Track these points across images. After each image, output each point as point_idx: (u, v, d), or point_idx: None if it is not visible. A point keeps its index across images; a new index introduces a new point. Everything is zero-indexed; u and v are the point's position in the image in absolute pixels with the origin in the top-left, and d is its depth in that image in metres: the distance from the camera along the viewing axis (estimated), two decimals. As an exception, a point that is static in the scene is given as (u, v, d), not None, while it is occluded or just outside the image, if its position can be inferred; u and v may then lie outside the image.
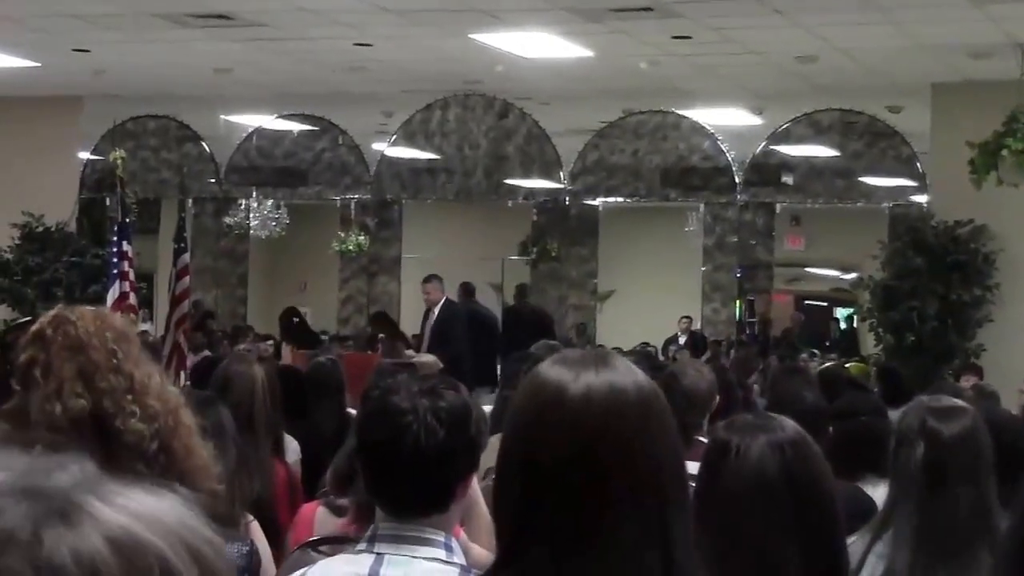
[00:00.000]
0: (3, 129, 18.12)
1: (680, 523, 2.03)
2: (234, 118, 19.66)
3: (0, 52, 15.30)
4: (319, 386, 7.73)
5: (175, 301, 12.02)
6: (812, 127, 17.70)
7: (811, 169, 17.99)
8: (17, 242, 17.62)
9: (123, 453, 2.92)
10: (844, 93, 16.34)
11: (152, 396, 3.05)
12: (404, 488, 2.85)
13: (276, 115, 19.42)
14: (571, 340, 16.93)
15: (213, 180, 19.87)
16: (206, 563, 0.99)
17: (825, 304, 25.51)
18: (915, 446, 3.81)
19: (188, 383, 9.58)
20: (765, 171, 18.15)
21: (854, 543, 3.60)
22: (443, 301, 15.09)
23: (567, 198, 18.69)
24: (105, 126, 17.55)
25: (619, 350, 11.47)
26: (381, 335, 14.72)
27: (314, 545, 3.56)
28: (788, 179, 18.13)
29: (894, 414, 5.98)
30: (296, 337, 14.65)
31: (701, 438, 5.31)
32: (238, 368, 5.87)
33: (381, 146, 19.32)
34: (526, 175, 18.78)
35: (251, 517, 4.37)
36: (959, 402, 4.04)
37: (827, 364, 13.88)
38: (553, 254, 18.84)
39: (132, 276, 11.40)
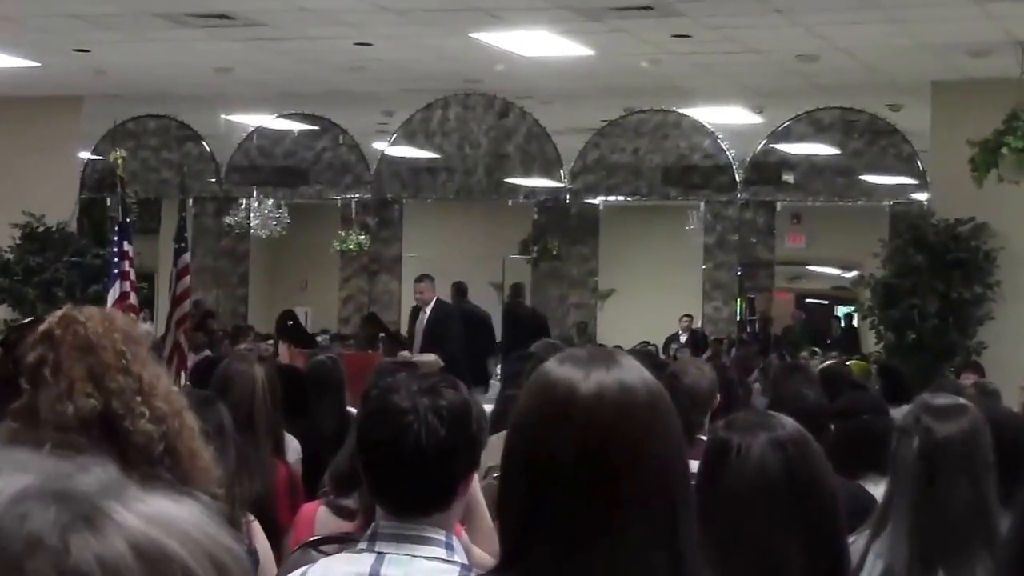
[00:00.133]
0: (4, 129, 18.12)
1: (687, 522, 2.03)
2: (234, 118, 19.66)
3: (0, 52, 15.30)
4: (319, 385, 7.72)
5: (176, 301, 12.02)
6: (812, 125, 17.69)
7: (811, 167, 17.98)
8: (18, 242, 17.62)
9: (131, 454, 2.92)
10: (844, 91, 16.33)
11: (160, 398, 3.05)
12: (405, 487, 2.85)
13: (276, 115, 19.41)
14: (572, 339, 16.94)
15: (214, 180, 19.87)
16: (226, 571, 0.99)
17: (826, 302, 25.52)
18: (911, 441, 3.82)
19: (188, 383, 9.58)
20: (765, 169, 18.15)
21: (854, 542, 3.60)
22: (435, 301, 15.08)
23: (568, 197, 18.68)
24: (105, 126, 17.57)
25: (619, 348, 11.47)
26: (382, 334, 14.73)
27: (315, 545, 3.56)
28: (789, 177, 18.12)
29: (895, 412, 5.98)
30: (292, 337, 14.64)
31: (703, 437, 5.31)
32: (238, 368, 5.87)
33: (381, 145, 19.32)
34: (527, 174, 18.78)
35: (251, 517, 4.37)
36: (959, 400, 4.04)
37: (828, 362, 13.89)
38: (554, 253, 18.84)
39: (133, 276, 11.39)
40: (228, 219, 19.90)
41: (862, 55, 14.20)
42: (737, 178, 18.08)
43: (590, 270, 19.19)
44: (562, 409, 2.02)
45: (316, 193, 19.92)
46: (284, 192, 19.95)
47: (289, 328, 14.16)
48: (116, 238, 11.57)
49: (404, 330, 15.82)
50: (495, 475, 4.71)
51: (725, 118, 18.02)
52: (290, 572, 3.07)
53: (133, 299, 11.29)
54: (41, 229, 17.72)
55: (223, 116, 19.52)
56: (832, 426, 5.65)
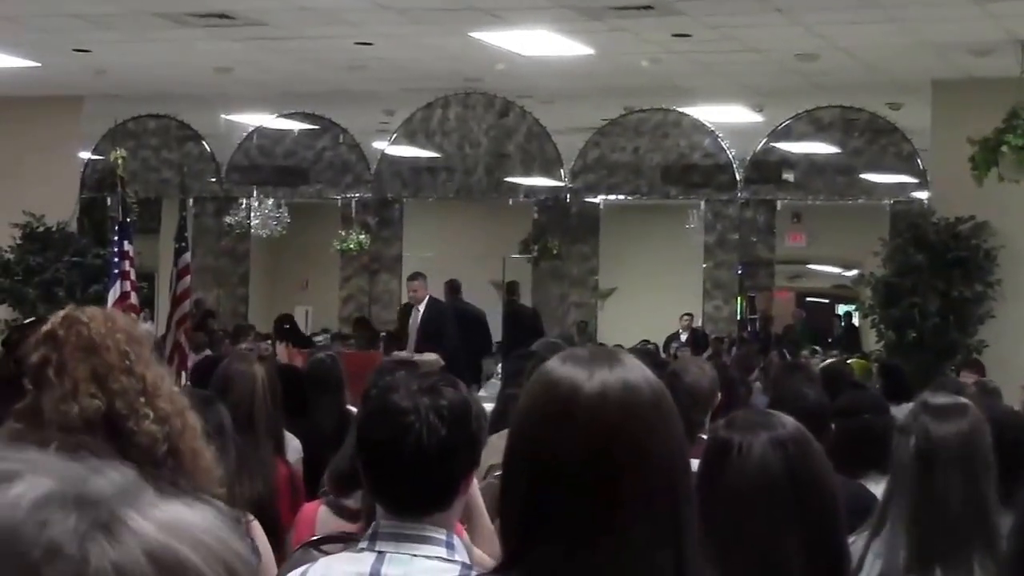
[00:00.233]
0: (4, 129, 18.12)
1: (689, 521, 2.03)
2: (235, 117, 19.67)
3: (1, 52, 15.30)
4: (318, 383, 7.72)
5: (176, 300, 12.02)
6: (813, 124, 17.69)
7: (812, 166, 17.98)
8: (18, 242, 17.63)
9: (135, 455, 2.91)
10: (844, 90, 16.33)
11: (163, 398, 3.05)
12: (406, 487, 2.85)
13: (277, 114, 19.42)
14: (573, 338, 16.95)
15: (214, 179, 19.87)
16: None
17: (826, 301, 25.52)
18: (909, 441, 3.82)
19: (189, 382, 9.58)
20: (766, 168, 18.15)
21: (854, 542, 3.60)
22: (427, 299, 15.07)
23: (568, 196, 18.68)
24: (106, 126, 17.57)
25: (621, 347, 11.47)
26: (383, 333, 14.73)
27: (316, 544, 3.56)
28: (789, 176, 18.13)
29: (896, 411, 5.99)
30: (289, 338, 14.65)
31: (704, 436, 5.31)
32: (238, 367, 5.87)
33: (382, 145, 19.31)
34: (527, 173, 18.78)
35: (252, 516, 4.37)
36: (959, 399, 4.04)
37: (829, 361, 13.89)
38: (554, 252, 18.85)
39: (133, 276, 11.40)
40: (228, 219, 19.89)
41: (862, 54, 14.20)
42: (737, 177, 18.08)
43: (590, 269, 19.19)
44: (566, 408, 2.02)
45: (316, 193, 19.93)
46: (284, 192, 19.94)
47: (286, 331, 14.20)
48: (116, 238, 11.57)
49: (397, 328, 15.77)
50: (496, 474, 4.71)
51: (725, 117, 18.02)
52: (291, 571, 3.07)
53: (134, 299, 11.30)
54: (41, 229, 17.72)
55: (223, 116, 19.52)
56: (833, 425, 5.65)
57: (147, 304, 17.66)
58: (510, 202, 19.32)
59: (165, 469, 2.94)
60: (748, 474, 2.75)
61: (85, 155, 19.15)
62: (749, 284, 19.10)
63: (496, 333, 18.85)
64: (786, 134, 17.86)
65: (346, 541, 3.33)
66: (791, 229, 21.02)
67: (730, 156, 18.14)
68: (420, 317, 14.89)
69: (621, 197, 18.79)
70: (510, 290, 19.23)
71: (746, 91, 16.67)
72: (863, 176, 17.75)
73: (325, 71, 15.98)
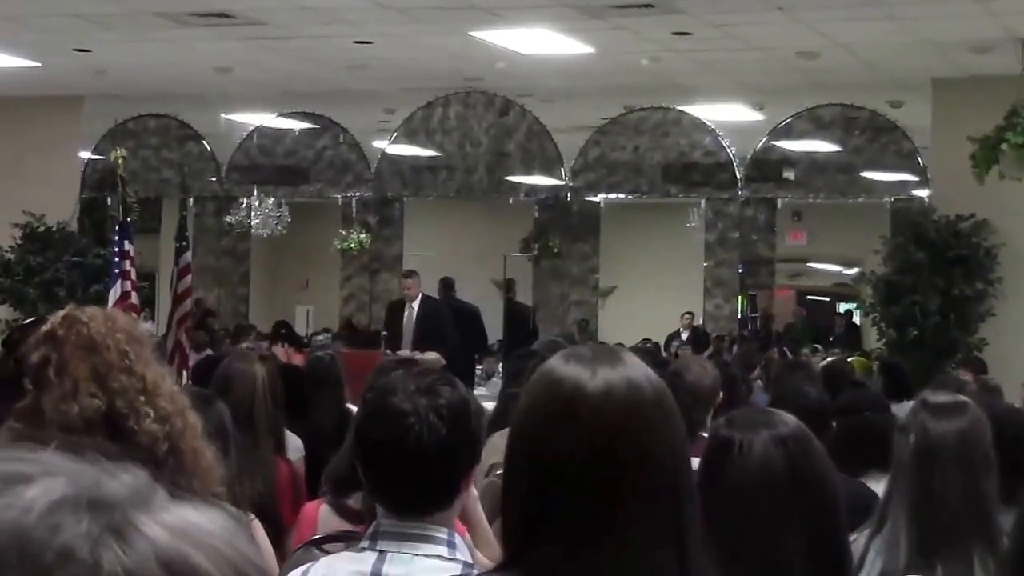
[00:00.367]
0: (4, 129, 18.12)
1: (691, 520, 2.02)
2: (235, 117, 19.66)
3: (1, 52, 15.30)
4: (317, 381, 7.72)
5: (177, 300, 12.02)
6: (813, 122, 17.69)
7: (812, 164, 17.98)
8: (18, 242, 17.62)
9: (135, 454, 2.90)
10: (845, 88, 16.33)
11: (163, 397, 3.05)
12: (407, 488, 2.85)
13: (277, 114, 19.41)
14: (574, 336, 16.96)
15: (214, 179, 19.86)
16: None
17: (827, 299, 25.51)
18: (908, 437, 3.82)
19: (190, 381, 9.58)
20: (766, 167, 18.14)
21: (855, 540, 3.60)
22: (420, 296, 15.05)
23: (568, 195, 18.68)
24: (106, 125, 17.57)
25: (621, 346, 11.47)
26: (384, 332, 14.72)
27: (318, 543, 3.56)
28: (789, 174, 18.12)
29: (897, 409, 5.99)
30: (287, 340, 14.65)
31: (705, 434, 5.30)
32: (239, 367, 5.87)
33: (382, 144, 19.31)
34: (527, 172, 18.78)
35: (253, 516, 4.37)
36: (959, 397, 4.04)
37: (829, 359, 13.88)
38: (555, 251, 18.85)
39: (134, 275, 11.40)
40: (229, 218, 19.89)
41: (863, 52, 14.19)
42: (738, 175, 18.08)
43: (591, 268, 19.20)
44: (569, 407, 2.01)
45: (317, 192, 19.93)
46: (285, 191, 19.94)
47: (282, 335, 14.24)
48: (117, 237, 11.58)
49: (386, 327, 15.71)
50: (498, 473, 4.71)
51: (726, 115, 18.01)
52: (292, 571, 3.07)
53: (134, 298, 11.31)
54: (42, 229, 17.71)
55: (223, 115, 19.52)
56: (834, 423, 5.65)
57: (148, 304, 17.68)
58: (510, 201, 19.31)
59: (166, 468, 2.94)
60: (749, 472, 2.75)
61: (85, 155, 19.15)
62: (750, 282, 19.10)
63: (497, 332, 18.88)
64: (786, 132, 17.86)
65: (347, 540, 3.33)
66: (792, 227, 21.01)
67: (731, 154, 18.14)
68: (415, 315, 14.85)
69: (622, 196, 18.79)
70: (507, 288, 19.25)
71: (746, 89, 16.67)
72: (864, 174, 17.75)
73: (325, 70, 15.98)
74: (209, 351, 13.83)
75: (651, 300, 21.12)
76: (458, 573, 2.79)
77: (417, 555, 2.81)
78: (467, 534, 3.44)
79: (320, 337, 17.36)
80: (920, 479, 3.76)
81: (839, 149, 17.75)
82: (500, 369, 15.99)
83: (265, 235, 19.98)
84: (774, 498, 2.73)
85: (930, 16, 12.50)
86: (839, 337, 21.88)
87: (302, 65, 15.70)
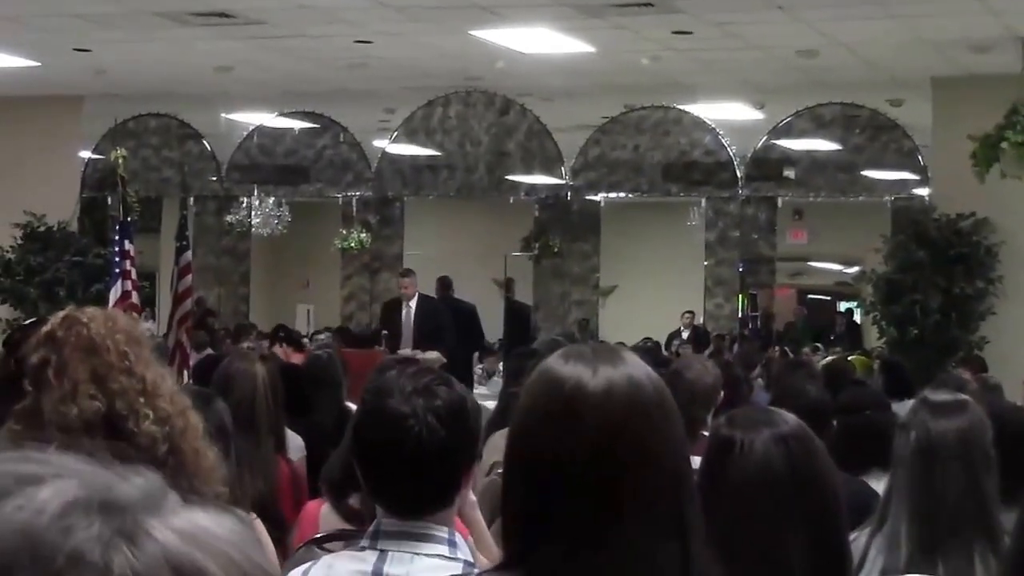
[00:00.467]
0: (4, 129, 18.11)
1: (693, 518, 2.02)
2: (235, 116, 19.66)
3: (1, 52, 15.29)
4: (316, 380, 7.72)
5: (177, 299, 12.02)
6: (813, 121, 17.69)
7: (813, 163, 17.98)
8: (19, 242, 17.62)
9: (135, 455, 2.90)
10: (845, 87, 16.33)
11: (163, 398, 3.05)
12: (407, 489, 2.84)
13: (277, 113, 19.41)
14: (575, 335, 16.96)
15: (215, 178, 19.87)
16: None
17: (828, 298, 25.51)
18: (908, 436, 3.83)
19: (191, 381, 9.58)
20: (767, 165, 18.14)
21: (856, 539, 3.60)
22: (417, 296, 15.04)
23: (569, 194, 18.69)
24: (106, 125, 17.55)
25: (623, 345, 11.48)
26: (385, 331, 14.71)
27: (319, 542, 3.55)
28: (790, 173, 18.13)
29: (898, 407, 5.99)
30: (284, 342, 14.67)
31: (706, 433, 5.30)
32: (240, 366, 5.87)
33: (382, 143, 19.32)
34: (527, 171, 18.78)
35: (254, 515, 4.36)
36: (960, 396, 4.04)
37: (830, 358, 13.88)
38: (555, 250, 18.86)
39: (134, 275, 11.39)
40: (229, 217, 19.90)
41: (863, 51, 14.19)
42: (738, 174, 18.08)
43: (591, 267, 19.20)
44: (570, 406, 2.01)
45: (317, 191, 19.93)
46: (285, 190, 19.95)
47: (281, 337, 14.27)
48: (117, 237, 11.57)
49: (381, 326, 15.70)
50: (498, 471, 4.71)
51: (726, 114, 18.01)
52: (294, 570, 3.07)
53: (135, 298, 11.30)
54: (42, 229, 17.71)
55: (223, 115, 19.52)
56: (835, 422, 5.65)
57: (148, 303, 17.68)
58: (511, 200, 19.32)
59: (166, 469, 2.93)
60: (750, 471, 2.75)
61: (86, 154, 19.14)
62: (750, 281, 19.11)
63: (498, 331, 18.88)
64: (787, 131, 17.87)
65: (349, 539, 3.32)
66: (792, 226, 21.00)
67: (731, 153, 18.14)
68: (412, 314, 14.84)
69: (622, 195, 18.79)
70: (507, 287, 19.28)
71: (747, 88, 16.67)
72: (864, 173, 17.75)
73: (325, 70, 15.98)
74: (209, 350, 13.84)
75: (652, 299, 21.11)
76: (459, 572, 2.79)
77: (418, 554, 2.81)
78: (469, 536, 3.43)
79: (321, 336, 17.35)
80: (921, 478, 3.76)
81: (839, 148, 17.75)
82: (501, 368, 16.00)
83: (265, 234, 19.99)
84: (775, 497, 2.73)
85: (930, 15, 12.50)
86: (840, 336, 21.88)
87: (302, 64, 15.70)
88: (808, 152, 17.95)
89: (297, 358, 11.59)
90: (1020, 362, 13.19)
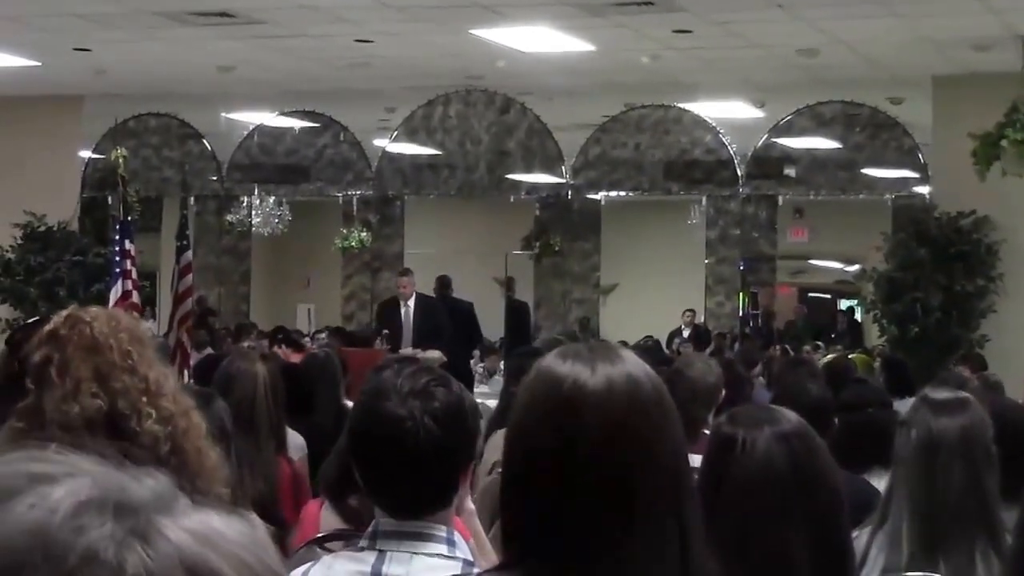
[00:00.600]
0: (4, 129, 18.11)
1: (694, 516, 2.02)
2: (235, 115, 19.66)
3: (1, 52, 15.29)
4: (314, 379, 7.72)
5: (178, 299, 12.01)
6: (814, 119, 17.68)
7: (813, 161, 17.97)
8: (19, 242, 17.61)
9: (143, 456, 2.90)
10: (845, 85, 16.32)
11: (166, 398, 3.04)
12: (405, 490, 2.84)
13: (277, 112, 19.41)
14: (576, 335, 16.96)
15: (215, 178, 19.87)
16: None
17: (828, 296, 25.51)
18: (909, 434, 3.83)
19: (192, 380, 9.58)
20: (767, 164, 18.14)
21: (857, 537, 3.60)
22: (415, 296, 15.03)
23: (569, 192, 18.68)
24: (106, 125, 17.56)
25: (624, 344, 11.46)
26: (385, 331, 14.71)
27: (320, 542, 3.55)
28: (790, 171, 18.12)
29: (899, 405, 5.98)
30: (283, 343, 14.69)
31: (707, 432, 5.30)
32: (240, 366, 5.87)
33: (382, 142, 19.31)
34: (528, 170, 18.78)
35: (254, 515, 4.36)
36: (960, 394, 4.04)
37: (831, 356, 13.88)
38: (556, 248, 18.86)
39: (135, 274, 11.39)
40: (230, 217, 19.90)
41: (863, 49, 14.18)
42: (739, 172, 18.08)
43: (592, 266, 19.20)
44: (569, 405, 2.00)
45: (317, 190, 19.93)
46: (286, 189, 19.95)
47: (279, 339, 14.28)
48: (118, 237, 11.57)
49: (378, 326, 15.68)
50: (499, 471, 4.70)
51: (726, 113, 18.01)
52: (294, 570, 3.07)
53: (135, 298, 11.30)
54: (42, 228, 17.71)
55: (224, 114, 19.51)
56: (836, 420, 5.65)
57: (149, 303, 17.68)
58: (511, 199, 19.32)
59: (168, 469, 2.92)
60: (752, 469, 2.74)
61: (86, 154, 19.14)
62: (751, 280, 19.11)
63: (498, 330, 18.88)
64: (787, 129, 17.86)
65: (350, 538, 3.32)
66: (793, 224, 21.01)
67: (731, 152, 18.13)
68: (411, 313, 14.83)
69: (622, 193, 18.79)
70: (507, 286, 19.29)
71: (747, 87, 16.66)
72: (864, 171, 17.75)
73: (326, 69, 15.97)
74: (210, 350, 13.83)
75: (652, 298, 21.11)
76: (458, 571, 2.78)
77: (417, 554, 2.80)
78: (472, 539, 3.43)
79: (322, 335, 17.36)
80: (922, 475, 3.76)
81: (840, 146, 17.75)
82: (502, 367, 16.00)
83: (266, 234, 19.99)
84: (777, 495, 2.73)
85: (930, 13, 12.50)
86: (841, 334, 21.88)
87: (303, 64, 15.70)
88: (809, 150, 17.95)
89: (297, 358, 11.59)
90: (1021, 360, 13.19)
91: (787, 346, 16.86)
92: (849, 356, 13.58)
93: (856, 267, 22.37)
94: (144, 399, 3.00)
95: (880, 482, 4.86)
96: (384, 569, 2.81)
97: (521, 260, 19.77)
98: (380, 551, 2.83)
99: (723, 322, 18.49)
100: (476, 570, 2.76)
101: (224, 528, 0.99)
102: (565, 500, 1.97)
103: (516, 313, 19.04)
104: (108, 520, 0.95)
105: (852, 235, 19.88)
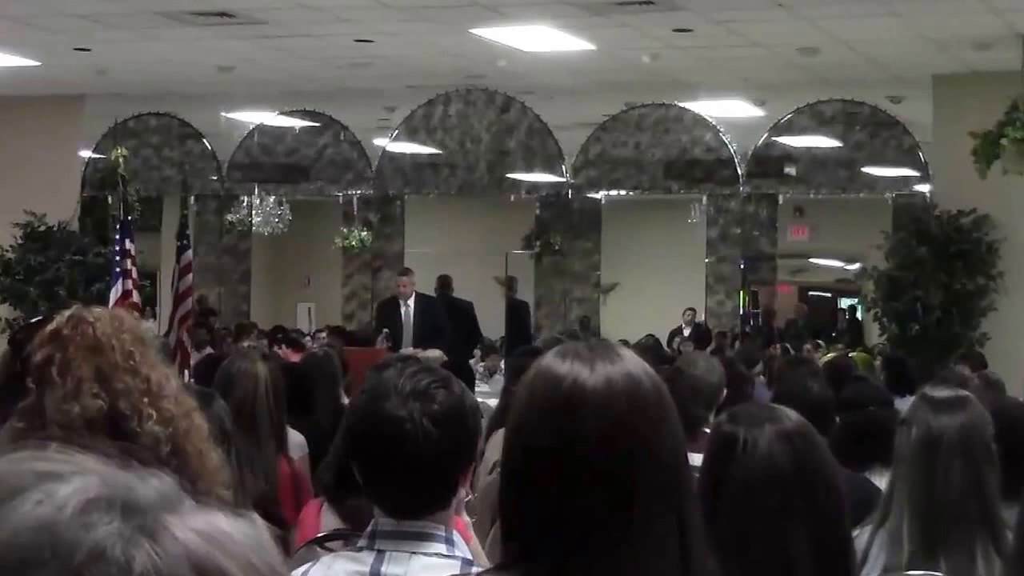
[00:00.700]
0: (4, 129, 18.10)
1: (693, 515, 2.01)
2: (235, 115, 19.65)
3: (1, 51, 15.29)
4: (314, 378, 7.72)
5: (178, 298, 12.02)
6: (814, 118, 17.67)
7: (814, 160, 17.97)
8: (19, 241, 17.60)
9: (148, 457, 2.89)
10: (846, 84, 16.31)
11: (168, 399, 3.03)
12: (403, 491, 2.83)
13: (278, 112, 19.41)
14: (577, 334, 16.96)
15: (215, 177, 19.87)
16: None
17: (829, 295, 25.52)
18: (909, 432, 3.83)
19: (192, 380, 9.58)
20: (768, 162, 18.13)
21: (858, 535, 3.60)
22: (415, 295, 15.03)
23: (570, 192, 18.68)
24: (107, 124, 17.54)
25: (625, 342, 11.46)
26: (386, 329, 14.71)
27: (320, 541, 3.55)
28: (791, 170, 18.11)
29: (900, 403, 5.98)
30: (283, 343, 14.70)
31: (708, 430, 5.29)
32: (241, 366, 5.87)
33: (383, 141, 19.31)
34: (528, 169, 18.77)
35: (257, 516, 4.35)
36: (960, 392, 4.04)
37: (831, 354, 13.89)
38: (556, 248, 18.86)
39: (135, 274, 11.40)
40: (230, 216, 19.91)
41: (863, 48, 14.18)
42: (739, 171, 18.07)
43: (593, 264, 19.20)
44: (569, 404, 2.00)
45: (318, 190, 19.93)
46: (286, 189, 19.95)
47: (279, 339, 14.26)
48: (118, 236, 11.58)
49: (376, 325, 15.68)
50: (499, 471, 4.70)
51: (727, 111, 18.00)
52: (295, 570, 3.06)
53: (135, 297, 11.31)
54: (43, 228, 17.69)
55: (224, 114, 19.51)
56: (837, 418, 5.65)
57: (149, 302, 17.67)
58: (512, 198, 19.32)
59: (169, 470, 2.91)
60: (755, 468, 2.74)
61: (86, 154, 19.14)
62: (752, 278, 19.10)
63: (499, 329, 18.89)
64: (788, 128, 17.85)
65: (350, 539, 3.32)
66: (793, 223, 21.03)
67: (732, 150, 18.13)
68: (411, 312, 14.82)
69: (623, 192, 18.79)
70: (509, 285, 19.29)
71: (747, 85, 16.66)
72: (865, 170, 17.74)
73: (326, 69, 15.97)
74: (210, 349, 13.83)
75: (653, 297, 21.13)
76: (457, 571, 2.78)
77: (415, 553, 2.80)
78: (473, 540, 3.42)
79: (322, 334, 17.37)
80: (922, 473, 3.76)
81: (840, 145, 17.74)
82: (502, 366, 16.00)
83: (266, 233, 20.00)
84: (779, 493, 2.73)
85: (931, 12, 12.50)
86: (841, 332, 21.89)
87: (303, 63, 15.69)
88: (809, 149, 17.94)
89: (297, 358, 11.60)
90: (1021, 358, 13.18)
91: (787, 345, 16.86)
92: (850, 354, 13.60)
93: (856, 266, 22.37)
94: (145, 400, 2.99)
95: (881, 480, 4.86)
96: (383, 569, 2.80)
97: (521, 259, 19.77)
98: (379, 551, 2.83)
99: (724, 321, 18.49)
100: (475, 569, 2.75)
101: (230, 529, 0.99)
102: (564, 499, 1.97)
103: (517, 312, 19.04)
104: (116, 518, 0.95)
105: (852, 234, 19.88)
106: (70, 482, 0.96)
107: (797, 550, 2.70)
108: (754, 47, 14.15)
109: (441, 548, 2.81)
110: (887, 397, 6.28)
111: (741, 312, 18.83)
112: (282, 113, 19.43)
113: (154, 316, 18.75)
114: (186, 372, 10.81)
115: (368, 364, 7.93)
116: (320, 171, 19.72)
